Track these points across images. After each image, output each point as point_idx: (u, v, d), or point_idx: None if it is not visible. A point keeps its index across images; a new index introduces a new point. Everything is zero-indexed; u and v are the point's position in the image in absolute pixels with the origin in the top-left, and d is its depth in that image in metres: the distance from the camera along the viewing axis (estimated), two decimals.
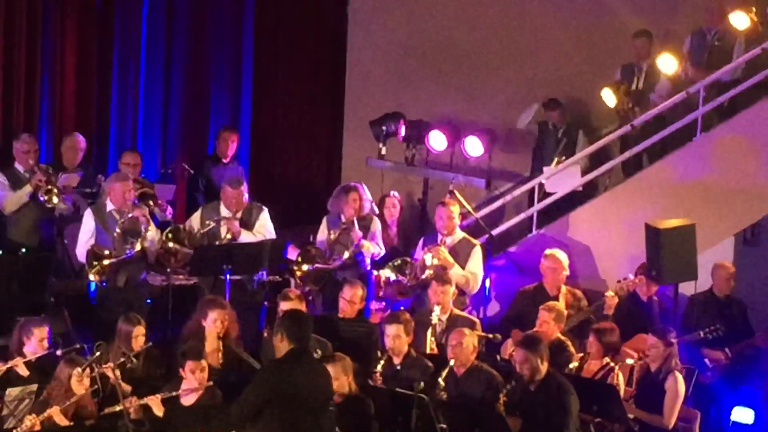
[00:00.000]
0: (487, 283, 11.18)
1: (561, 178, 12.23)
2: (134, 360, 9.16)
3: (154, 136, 13.55)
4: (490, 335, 10.03)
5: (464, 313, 10.38)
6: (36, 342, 9.12)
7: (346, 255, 11.13)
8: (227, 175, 11.79)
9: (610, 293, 10.54)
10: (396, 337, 9.41)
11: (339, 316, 10.17)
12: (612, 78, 12.66)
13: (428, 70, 13.83)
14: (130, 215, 10.54)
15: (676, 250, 10.53)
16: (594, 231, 11.94)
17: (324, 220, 11.43)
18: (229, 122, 13.73)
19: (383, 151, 13.05)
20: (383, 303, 10.83)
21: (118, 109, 13.26)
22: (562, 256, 10.86)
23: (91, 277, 10.45)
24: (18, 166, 11.38)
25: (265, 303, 10.98)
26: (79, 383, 8.58)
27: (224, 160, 12.60)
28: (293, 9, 14.17)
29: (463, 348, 9.21)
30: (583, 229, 11.97)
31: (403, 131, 12.98)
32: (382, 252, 11.35)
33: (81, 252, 10.62)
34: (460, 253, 10.85)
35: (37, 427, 8.41)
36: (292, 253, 11.33)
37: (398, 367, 9.41)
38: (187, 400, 8.73)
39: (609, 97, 12.52)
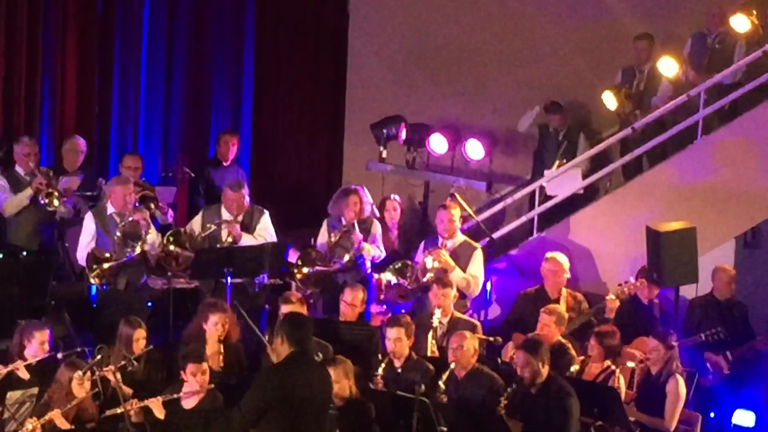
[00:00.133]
0: (488, 286, 11.16)
1: (562, 181, 12.22)
2: (135, 363, 9.14)
3: (154, 139, 13.54)
4: (491, 338, 10.03)
5: (465, 316, 10.38)
6: (37, 345, 9.11)
7: (347, 258, 11.13)
8: (228, 178, 11.78)
9: (611, 296, 10.53)
10: (397, 340, 9.42)
11: (340, 319, 10.15)
12: (613, 81, 12.66)
13: (429, 73, 13.81)
14: (130, 218, 10.54)
15: (677, 253, 10.53)
16: (595, 234, 11.94)
17: (324, 223, 11.41)
18: (230, 125, 13.71)
19: (384, 154, 13.02)
20: (384, 306, 10.82)
21: (118, 112, 13.24)
22: (563, 259, 10.87)
23: (92, 280, 10.46)
24: (19, 169, 11.37)
25: (266, 306, 10.98)
26: (80, 386, 8.57)
27: (225, 163, 12.60)
28: (294, 12, 14.15)
29: (464, 351, 9.21)
30: (583, 232, 11.96)
31: (403, 134, 12.95)
32: (383, 255, 11.33)
33: (82, 255, 10.62)
34: (460, 256, 10.84)
35: (38, 430, 8.39)
36: (293, 256, 11.32)
37: (399, 370, 9.41)
38: (188, 403, 8.71)
39: (610, 100, 12.51)
